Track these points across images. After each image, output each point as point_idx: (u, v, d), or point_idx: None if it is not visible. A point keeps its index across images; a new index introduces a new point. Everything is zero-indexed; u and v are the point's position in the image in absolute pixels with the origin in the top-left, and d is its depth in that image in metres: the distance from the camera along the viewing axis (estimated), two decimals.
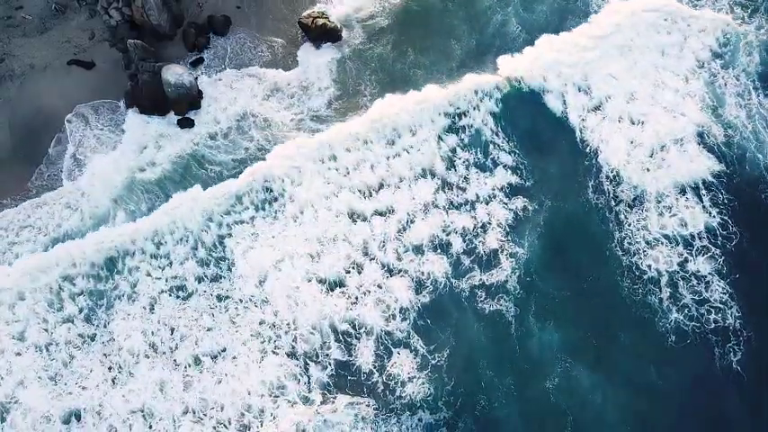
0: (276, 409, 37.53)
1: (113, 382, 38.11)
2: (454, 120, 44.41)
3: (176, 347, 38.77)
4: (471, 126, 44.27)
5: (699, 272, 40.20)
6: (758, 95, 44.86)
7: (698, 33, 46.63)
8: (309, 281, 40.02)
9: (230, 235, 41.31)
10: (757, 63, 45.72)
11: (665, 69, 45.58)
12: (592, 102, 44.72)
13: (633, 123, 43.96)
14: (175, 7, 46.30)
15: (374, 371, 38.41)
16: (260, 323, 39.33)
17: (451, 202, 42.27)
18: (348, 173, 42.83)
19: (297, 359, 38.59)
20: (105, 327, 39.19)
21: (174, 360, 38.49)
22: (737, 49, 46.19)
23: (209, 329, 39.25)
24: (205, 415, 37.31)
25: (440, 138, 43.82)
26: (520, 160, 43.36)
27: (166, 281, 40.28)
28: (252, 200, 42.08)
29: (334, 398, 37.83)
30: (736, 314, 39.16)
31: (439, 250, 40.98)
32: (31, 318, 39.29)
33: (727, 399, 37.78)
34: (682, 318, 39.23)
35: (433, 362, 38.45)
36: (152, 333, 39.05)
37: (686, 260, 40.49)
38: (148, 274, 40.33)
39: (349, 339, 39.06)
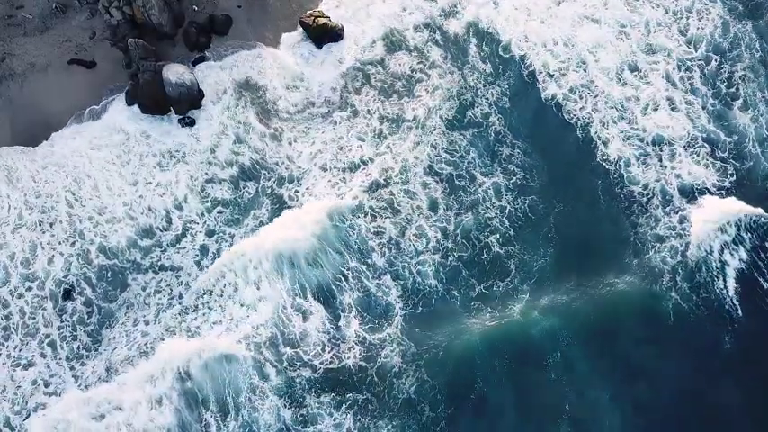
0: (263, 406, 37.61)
1: None
2: None
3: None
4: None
5: (706, 268, 39.80)
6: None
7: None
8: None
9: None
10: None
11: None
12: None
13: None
14: (176, 7, 46.15)
15: (369, 370, 38.13)
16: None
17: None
18: None
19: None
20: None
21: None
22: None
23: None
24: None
25: None
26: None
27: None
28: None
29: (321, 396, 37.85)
30: (740, 315, 38.85)
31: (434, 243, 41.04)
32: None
33: (727, 387, 37.49)
34: (685, 306, 38.93)
35: (432, 357, 38.24)
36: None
37: (692, 260, 40.08)
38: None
39: (339, 343, 39.00)
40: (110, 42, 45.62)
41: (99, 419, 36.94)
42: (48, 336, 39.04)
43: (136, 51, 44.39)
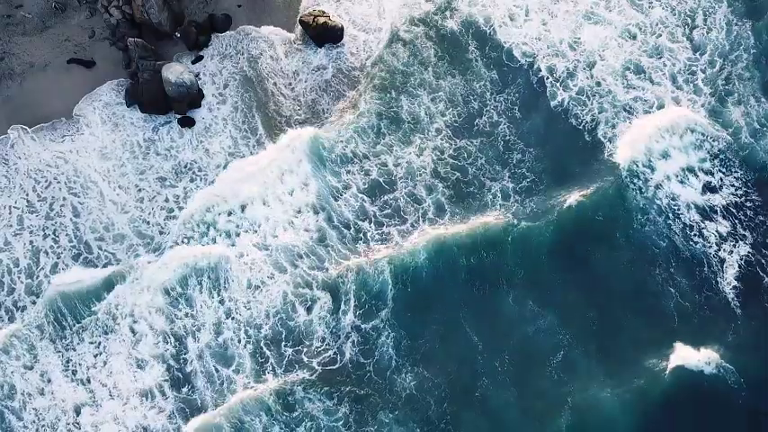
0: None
1: None
2: None
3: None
4: None
5: (709, 267, 40.11)
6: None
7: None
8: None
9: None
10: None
11: None
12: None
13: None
14: (176, 6, 45.83)
15: (365, 365, 38.54)
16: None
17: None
18: None
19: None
20: None
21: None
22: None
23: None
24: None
25: None
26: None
27: None
28: None
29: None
30: (740, 310, 39.16)
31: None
32: None
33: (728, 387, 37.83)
34: (686, 303, 39.30)
35: (431, 353, 38.67)
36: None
37: (696, 257, 40.45)
38: None
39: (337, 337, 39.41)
40: (109, 42, 45.38)
41: (95, 407, 37.49)
42: None
43: (135, 51, 44.15)
